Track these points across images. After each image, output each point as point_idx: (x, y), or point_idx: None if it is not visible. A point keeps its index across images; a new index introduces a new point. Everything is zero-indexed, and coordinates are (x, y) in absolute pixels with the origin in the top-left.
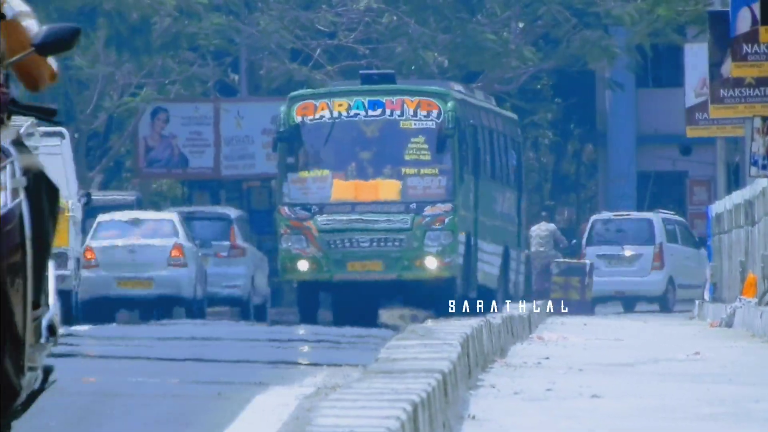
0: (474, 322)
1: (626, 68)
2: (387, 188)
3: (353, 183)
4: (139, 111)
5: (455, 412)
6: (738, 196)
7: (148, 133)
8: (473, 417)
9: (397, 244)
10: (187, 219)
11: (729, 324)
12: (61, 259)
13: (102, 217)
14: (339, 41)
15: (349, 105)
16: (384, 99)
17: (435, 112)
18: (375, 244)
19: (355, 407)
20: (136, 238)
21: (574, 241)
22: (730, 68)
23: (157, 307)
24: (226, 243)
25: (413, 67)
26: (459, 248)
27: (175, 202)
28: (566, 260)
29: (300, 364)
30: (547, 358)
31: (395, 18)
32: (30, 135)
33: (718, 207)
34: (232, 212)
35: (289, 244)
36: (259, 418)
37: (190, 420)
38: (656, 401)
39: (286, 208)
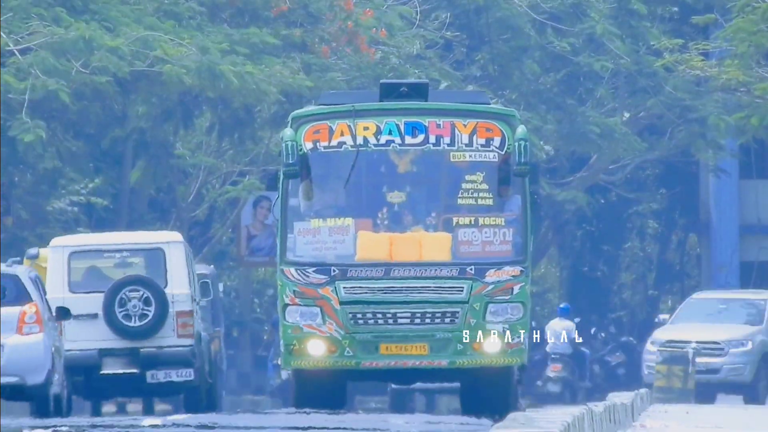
0: (576, 410)
1: (729, 155)
2: (433, 244)
3: (386, 236)
4: (241, 200)
5: None
6: None
7: (251, 222)
8: None
9: (448, 320)
10: None
11: None
12: None
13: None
14: None
15: (378, 128)
16: (426, 121)
17: (497, 140)
18: (418, 320)
19: None
20: None
21: None
22: None
23: None
24: None
25: None
26: (528, 325)
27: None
28: (669, 349)
29: None
30: None
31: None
32: None
33: None
34: None
35: (297, 318)
36: None
37: None
38: None
39: (292, 270)
